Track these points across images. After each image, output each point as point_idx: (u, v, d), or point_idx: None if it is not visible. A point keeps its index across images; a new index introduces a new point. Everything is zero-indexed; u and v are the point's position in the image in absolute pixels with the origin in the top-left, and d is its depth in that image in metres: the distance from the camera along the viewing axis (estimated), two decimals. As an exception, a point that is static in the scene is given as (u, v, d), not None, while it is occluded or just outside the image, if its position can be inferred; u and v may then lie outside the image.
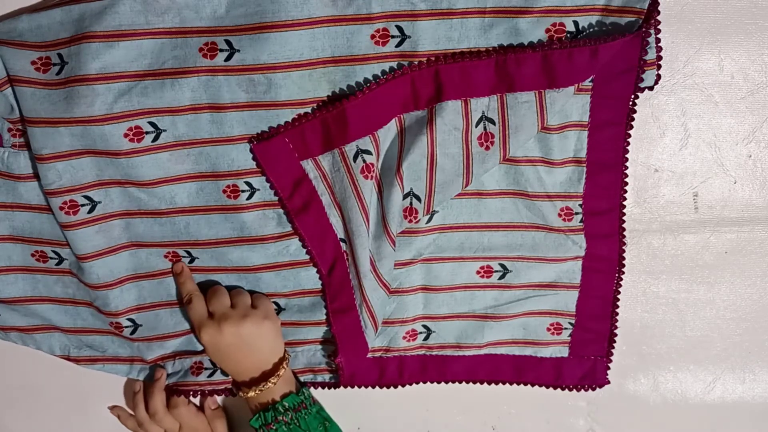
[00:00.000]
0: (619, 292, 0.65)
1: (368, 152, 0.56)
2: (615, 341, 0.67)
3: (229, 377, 0.65)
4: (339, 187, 0.58)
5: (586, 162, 0.60)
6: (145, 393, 0.66)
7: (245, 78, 0.53)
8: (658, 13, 0.54)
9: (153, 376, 0.66)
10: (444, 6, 0.53)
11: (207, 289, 0.63)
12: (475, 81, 0.55)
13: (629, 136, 0.60)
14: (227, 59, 0.53)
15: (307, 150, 0.56)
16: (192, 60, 0.53)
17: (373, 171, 0.57)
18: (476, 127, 0.56)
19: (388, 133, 0.57)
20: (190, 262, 0.62)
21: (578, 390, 0.68)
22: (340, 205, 0.58)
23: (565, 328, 0.67)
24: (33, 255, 0.62)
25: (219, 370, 0.66)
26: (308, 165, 0.57)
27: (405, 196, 0.58)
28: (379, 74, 0.55)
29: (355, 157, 0.56)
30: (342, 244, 0.60)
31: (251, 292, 0.63)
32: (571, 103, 0.58)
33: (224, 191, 0.58)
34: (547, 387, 0.69)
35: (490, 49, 0.54)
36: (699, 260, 0.67)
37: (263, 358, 0.61)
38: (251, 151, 0.56)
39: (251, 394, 0.60)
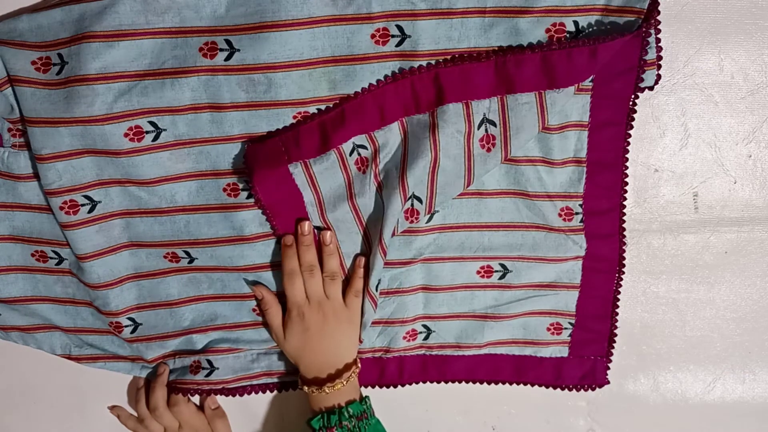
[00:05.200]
0: (619, 292, 0.65)
1: (363, 147, 0.56)
2: (615, 341, 0.67)
3: (227, 377, 0.65)
4: (327, 192, 0.57)
5: (586, 162, 0.60)
6: (147, 388, 0.66)
7: (245, 78, 0.53)
8: (658, 13, 0.54)
9: (155, 372, 0.66)
10: (444, 6, 0.53)
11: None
12: (476, 83, 0.55)
13: (629, 136, 0.60)
14: (227, 59, 0.53)
15: (300, 153, 0.55)
16: (192, 60, 0.53)
17: (367, 164, 0.57)
18: (478, 129, 0.56)
19: (390, 135, 0.57)
20: (190, 262, 0.62)
21: (578, 390, 0.68)
22: (325, 211, 0.58)
23: (565, 328, 0.67)
24: (33, 255, 0.62)
25: (216, 370, 0.65)
26: (296, 169, 0.56)
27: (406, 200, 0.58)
28: (380, 74, 0.55)
29: (351, 152, 0.56)
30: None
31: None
32: (571, 104, 0.58)
33: (224, 189, 0.58)
34: (547, 387, 0.69)
35: (490, 50, 0.54)
36: (699, 260, 0.67)
37: (341, 354, 0.61)
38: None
39: (324, 391, 0.60)
